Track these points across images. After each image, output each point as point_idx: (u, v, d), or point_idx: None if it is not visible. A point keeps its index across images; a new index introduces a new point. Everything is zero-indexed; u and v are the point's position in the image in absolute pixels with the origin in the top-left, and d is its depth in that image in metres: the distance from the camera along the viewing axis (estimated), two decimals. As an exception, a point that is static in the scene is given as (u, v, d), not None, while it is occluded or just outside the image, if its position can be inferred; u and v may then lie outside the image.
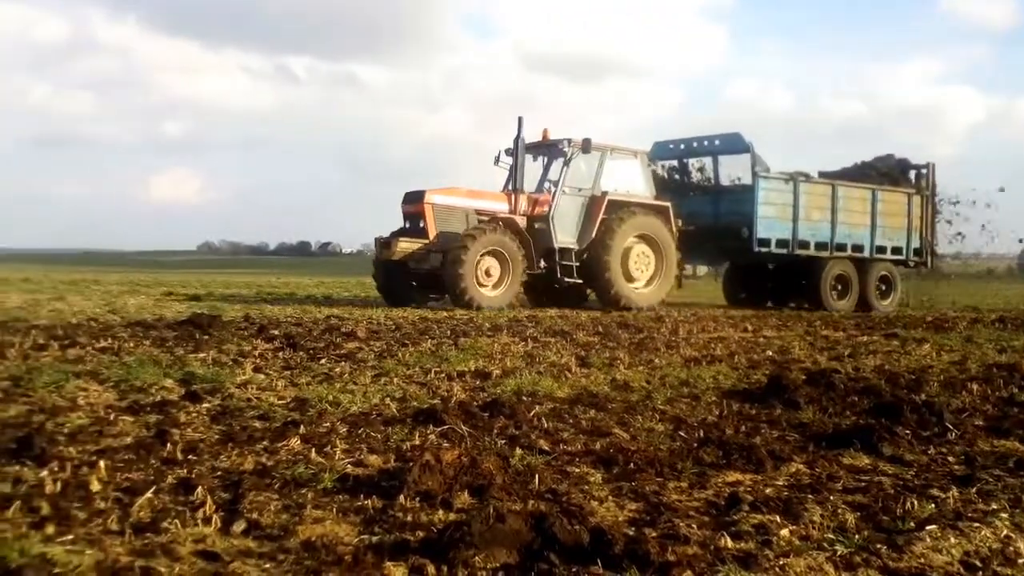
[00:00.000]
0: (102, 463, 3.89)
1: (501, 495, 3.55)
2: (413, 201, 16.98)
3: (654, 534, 3.18)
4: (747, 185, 20.45)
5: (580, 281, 17.86)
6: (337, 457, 4.22)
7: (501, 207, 17.37)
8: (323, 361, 7.83)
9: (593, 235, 17.54)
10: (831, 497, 3.74)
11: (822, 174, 22.65)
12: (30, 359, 7.28)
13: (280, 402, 5.72)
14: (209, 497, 3.42)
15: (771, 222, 20.16)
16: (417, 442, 4.62)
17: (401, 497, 3.51)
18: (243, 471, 3.95)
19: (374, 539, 3.09)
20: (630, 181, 18.52)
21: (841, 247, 21.25)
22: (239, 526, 3.16)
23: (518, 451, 4.44)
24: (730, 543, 3.09)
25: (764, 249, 20.19)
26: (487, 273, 16.38)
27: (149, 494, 3.47)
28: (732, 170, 21.41)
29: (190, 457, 4.17)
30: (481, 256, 16.21)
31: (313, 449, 4.33)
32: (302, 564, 2.84)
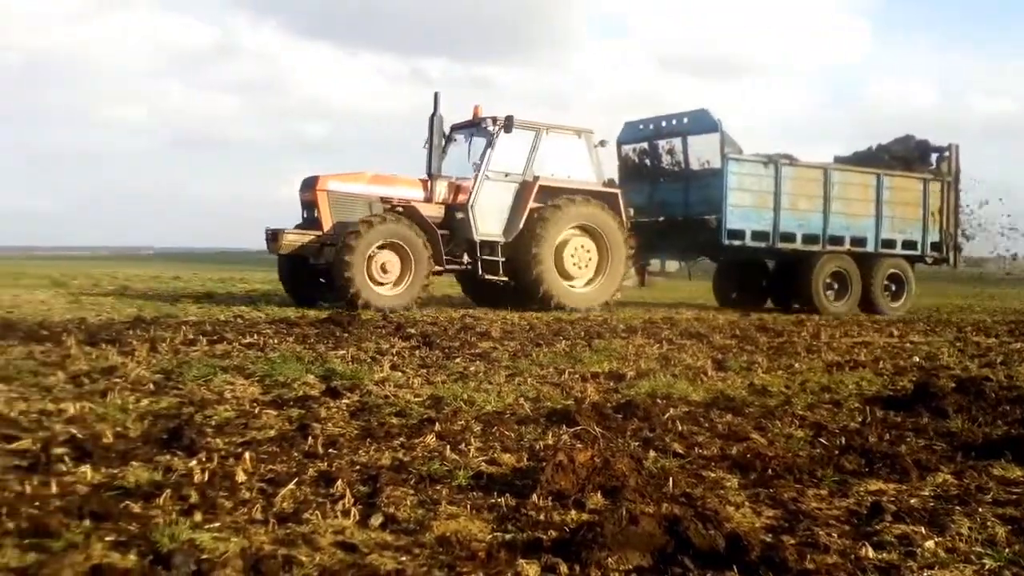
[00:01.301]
0: (247, 455, 4.03)
1: (634, 497, 3.52)
2: (308, 188, 15.07)
3: (792, 542, 3.10)
4: (717, 169, 17.80)
5: (506, 279, 15.66)
6: (471, 455, 4.26)
7: (414, 194, 15.44)
8: (458, 360, 7.93)
9: (520, 226, 15.51)
10: (980, 509, 3.58)
11: (838, 159, 20.40)
12: (180, 353, 7.60)
13: (416, 399, 5.82)
14: (348, 490, 3.50)
15: (745, 211, 17.66)
16: (550, 442, 4.63)
17: (534, 496, 3.52)
18: (380, 466, 4.03)
19: (507, 537, 3.11)
20: (573, 165, 16.24)
21: (836, 240, 18.64)
22: (376, 519, 3.22)
23: (652, 453, 4.41)
24: (872, 553, 2.99)
25: (736, 242, 17.68)
26: (383, 269, 14.29)
27: (291, 486, 3.58)
28: (704, 153, 18.55)
29: (330, 451, 4.28)
30: (376, 250, 14.22)
31: (448, 446, 4.38)
32: (437, 559, 2.88)
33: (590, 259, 16.13)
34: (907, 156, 20.62)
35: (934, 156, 20.43)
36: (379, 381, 6.47)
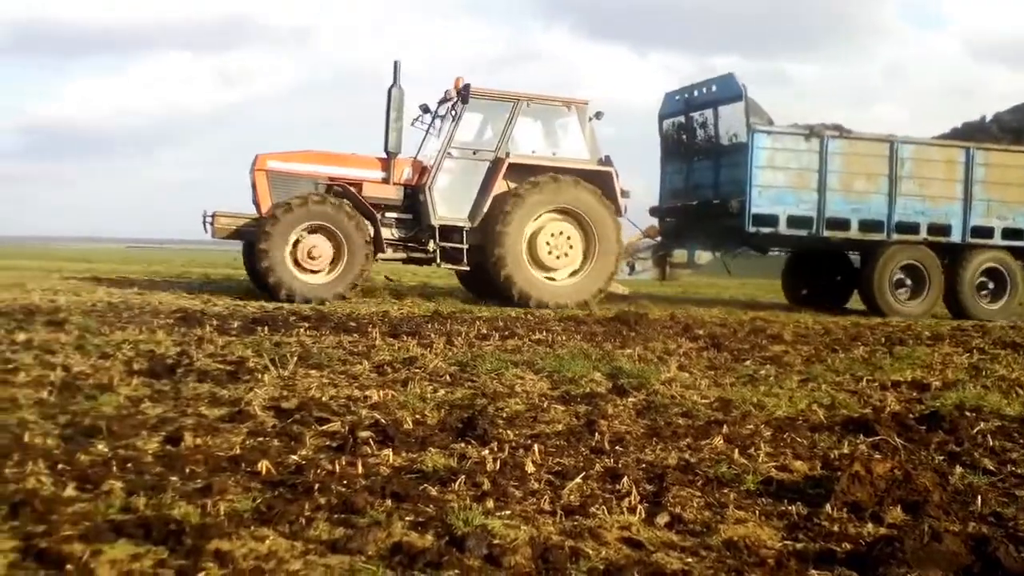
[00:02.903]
0: (536, 447, 4.13)
1: (937, 513, 3.30)
2: (251, 168, 13.72)
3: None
4: (743, 144, 14.93)
5: (467, 268, 14.05)
6: (760, 460, 4.15)
7: (370, 175, 13.81)
8: (748, 363, 7.75)
9: (485, 209, 13.71)
10: None
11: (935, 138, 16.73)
12: (474, 347, 7.90)
13: (704, 401, 5.74)
14: (634, 488, 3.50)
15: (778, 193, 14.78)
16: (846, 451, 4.42)
17: (827, 506, 3.38)
18: (667, 465, 4.00)
19: (798, 546, 3.01)
20: (562, 141, 14.45)
21: (907, 228, 15.39)
22: (662, 518, 3.20)
23: (958, 469, 4.11)
24: None
25: (766, 228, 14.81)
26: (310, 255, 12.81)
27: (578, 479, 3.63)
28: (733, 125, 15.53)
29: (616, 448, 4.30)
30: (305, 234, 12.83)
31: (736, 450, 4.29)
32: (724, 562, 2.82)
33: (571, 247, 13.92)
34: (1020, 127, 17.28)
35: None
36: (666, 381, 6.44)
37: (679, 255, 16.25)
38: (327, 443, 4.15)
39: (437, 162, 13.69)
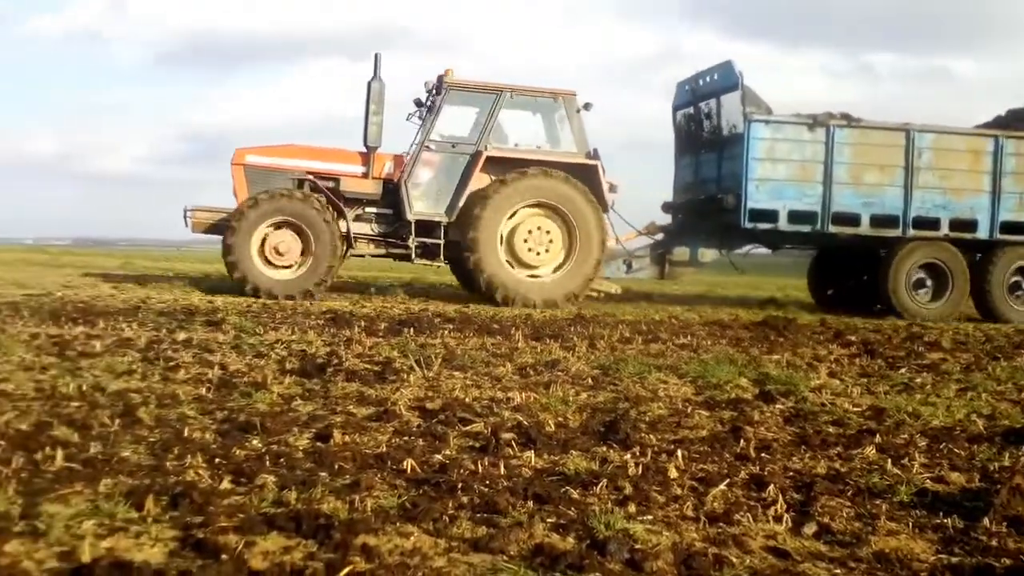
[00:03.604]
0: (679, 452, 4.08)
1: (1110, 532, 3.11)
2: (231, 162, 13.60)
3: None
4: (741, 135, 14.04)
5: (442, 264, 13.80)
6: (915, 471, 3.99)
7: (349, 169, 13.59)
8: (902, 370, 7.48)
9: (461, 204, 13.34)
10: None
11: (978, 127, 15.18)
12: (617, 351, 7.86)
13: (855, 409, 5.56)
14: (780, 496, 3.42)
15: (777, 186, 13.88)
16: (1006, 463, 4.21)
17: (985, 520, 3.23)
18: (815, 474, 3.90)
19: (953, 560, 2.88)
20: (549, 134, 14.02)
21: (927, 223, 14.29)
22: (810, 528, 3.12)
23: None
24: None
25: (765, 224, 14.00)
26: (276, 251, 12.72)
27: (723, 486, 3.57)
28: (732, 115, 14.56)
29: (762, 455, 4.21)
30: (273, 229, 12.76)
31: (889, 460, 4.14)
32: (874, 575, 2.73)
33: (550, 242, 13.40)
34: None
35: None
36: (815, 388, 6.27)
37: (680, 253, 15.32)
38: (470, 443, 4.20)
39: (414, 156, 13.48)
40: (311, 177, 13.40)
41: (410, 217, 13.30)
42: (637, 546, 2.83)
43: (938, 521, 3.28)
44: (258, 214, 12.65)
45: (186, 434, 4.06)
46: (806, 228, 14.12)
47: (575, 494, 3.39)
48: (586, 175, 13.50)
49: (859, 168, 14.13)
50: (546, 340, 8.37)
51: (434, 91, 13.53)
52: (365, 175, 13.49)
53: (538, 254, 13.40)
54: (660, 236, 15.34)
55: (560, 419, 4.83)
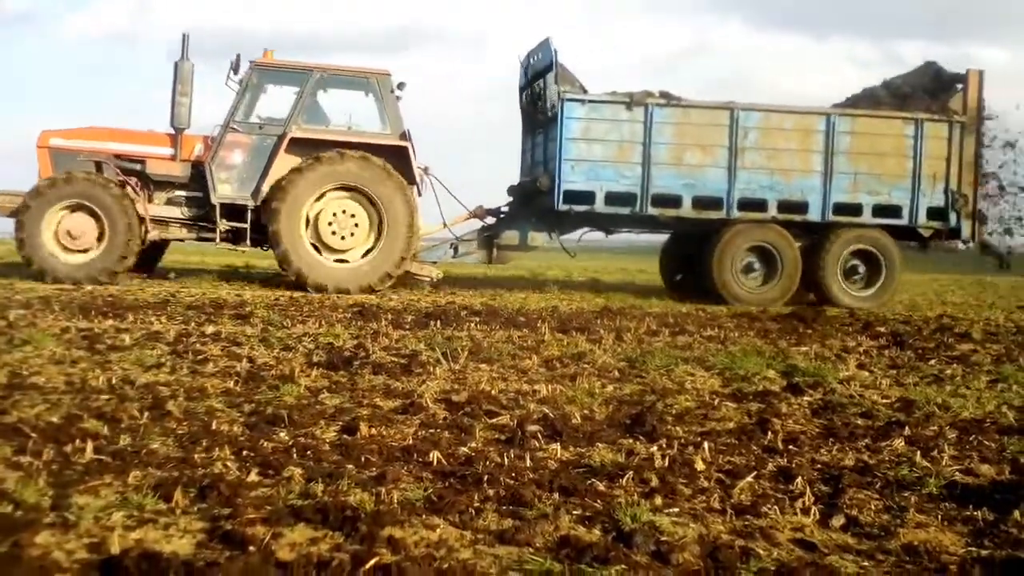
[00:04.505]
0: (706, 444, 4.06)
1: None
2: (36, 145, 13.15)
3: None
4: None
5: (246, 249, 13.48)
6: (944, 463, 3.96)
7: (157, 151, 13.12)
8: (932, 362, 7.41)
9: (265, 187, 12.92)
10: None
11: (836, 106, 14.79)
12: (644, 343, 7.84)
13: (884, 401, 5.52)
14: (808, 488, 3.41)
15: (593, 167, 13.32)
16: (1039, 456, 4.17)
17: (1016, 512, 3.19)
18: (843, 467, 3.88)
19: (983, 553, 2.86)
20: (365, 114, 13.61)
21: (753, 204, 13.67)
22: (837, 520, 3.10)
23: None
24: None
25: (581, 207, 13.39)
26: (70, 234, 12.32)
27: (749, 479, 3.55)
28: (553, 94, 13.72)
29: (790, 448, 4.19)
30: (68, 212, 12.37)
31: (918, 452, 4.11)
32: (903, 568, 2.71)
33: (356, 226, 12.99)
34: (914, 93, 14.65)
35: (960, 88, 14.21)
36: (844, 380, 6.23)
37: (509, 237, 14.52)
38: (496, 436, 4.21)
39: (219, 138, 13.04)
40: (116, 159, 13.04)
41: (215, 200, 12.92)
42: (663, 538, 2.83)
43: (968, 514, 3.26)
44: (49, 198, 12.35)
45: (214, 427, 4.09)
46: (625, 210, 13.59)
47: (601, 486, 3.39)
48: (397, 156, 13.14)
49: (680, 148, 13.60)
50: (572, 333, 8.35)
51: (232, 71, 13.07)
52: (173, 157, 13.13)
53: (343, 238, 13.02)
54: (490, 220, 14.87)
55: (586, 411, 4.83)
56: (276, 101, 13.57)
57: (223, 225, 12.90)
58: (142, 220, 12.67)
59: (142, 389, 4.96)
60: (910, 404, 5.37)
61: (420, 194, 13.68)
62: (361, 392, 5.16)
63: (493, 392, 5.28)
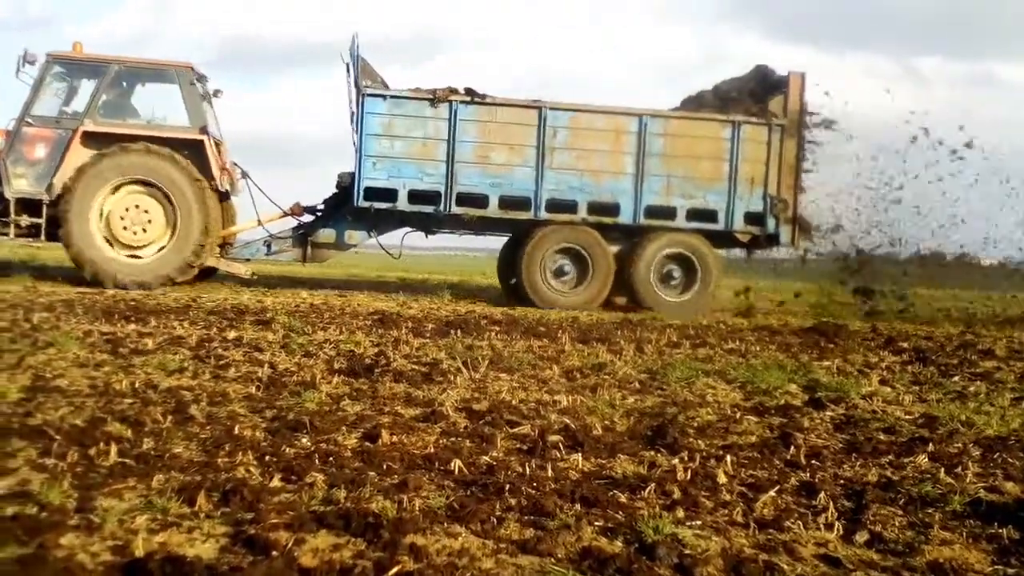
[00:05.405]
0: (728, 458, 4.05)
1: None
2: None
3: None
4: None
5: (40, 244, 13.58)
6: (968, 480, 3.92)
7: None
8: (956, 379, 7.36)
9: (57, 182, 12.78)
10: None
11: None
12: (664, 355, 7.82)
13: (907, 417, 5.48)
14: (831, 503, 3.39)
15: (395, 164, 13.17)
16: (1064, 474, 4.13)
17: (1043, 531, 3.17)
18: (866, 482, 3.85)
19: (1009, 571, 2.83)
20: (170, 108, 13.55)
21: (562, 206, 13.48)
22: (861, 536, 3.08)
23: None
24: None
25: (382, 204, 13.22)
26: None
27: (772, 493, 3.53)
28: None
29: (812, 462, 4.17)
30: None
31: (942, 468, 4.07)
32: (928, 585, 2.69)
33: (149, 222, 12.93)
34: (739, 96, 14.40)
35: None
36: (866, 395, 6.19)
37: (325, 235, 14.20)
38: (517, 446, 4.20)
39: (14, 131, 12.93)
40: None
41: (9, 195, 12.83)
42: (686, 551, 2.82)
43: (993, 531, 3.23)
44: None
45: (237, 431, 4.10)
46: (429, 208, 13.38)
47: (623, 498, 3.38)
48: (194, 151, 13.12)
49: (485, 147, 13.38)
50: (593, 343, 8.35)
51: (25, 63, 12.84)
52: None
53: (135, 233, 12.95)
54: (308, 218, 14.58)
55: (607, 423, 4.82)
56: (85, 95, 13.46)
57: (18, 220, 12.82)
58: None
59: (165, 393, 4.99)
60: (933, 420, 5.33)
61: (232, 193, 14.00)
62: (382, 400, 5.17)
63: (514, 402, 5.28)
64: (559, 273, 13.65)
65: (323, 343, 7.53)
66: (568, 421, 4.75)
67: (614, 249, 13.66)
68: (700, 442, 4.46)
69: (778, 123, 13.70)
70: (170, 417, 4.32)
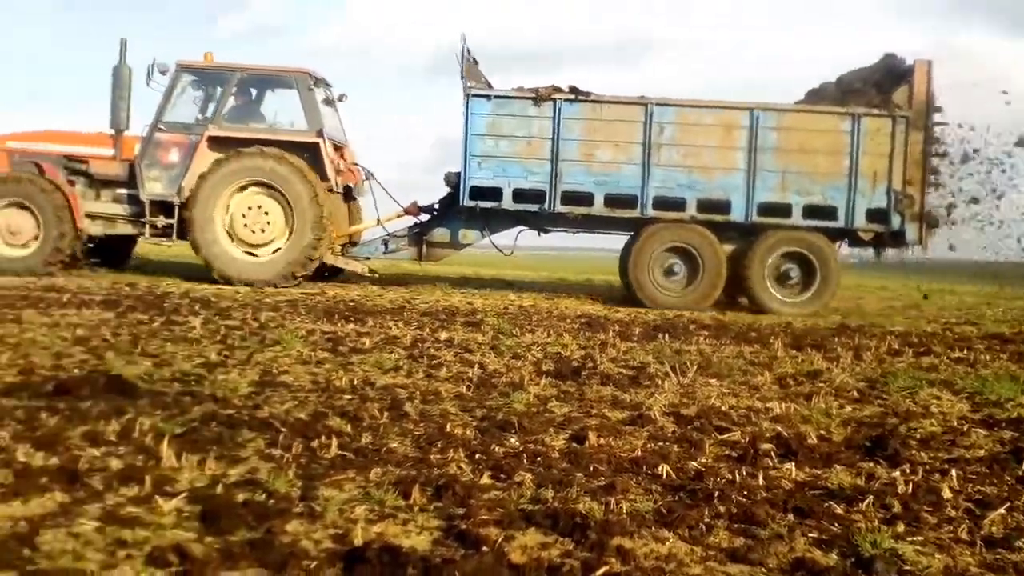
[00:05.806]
0: (954, 472, 3.83)
1: None
2: None
3: None
4: None
5: (171, 243, 13.86)
6: None
7: (100, 151, 13.82)
8: None
9: (187, 184, 13.29)
10: None
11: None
12: (885, 363, 7.49)
13: None
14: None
15: (501, 163, 12.92)
16: None
17: None
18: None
19: None
20: (289, 113, 13.91)
21: (669, 204, 12.83)
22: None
23: None
24: None
25: (488, 203, 13.00)
26: (9, 230, 13.19)
27: (1002, 510, 3.32)
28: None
29: (1049, 480, 3.89)
30: (8, 210, 13.18)
31: None
32: None
33: (268, 222, 13.30)
34: (863, 88, 13.14)
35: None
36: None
37: (440, 234, 14.12)
38: (727, 452, 4.12)
39: (147, 137, 13.57)
40: (66, 160, 13.85)
41: (144, 197, 13.56)
42: (906, 567, 2.69)
43: None
44: None
45: (448, 429, 4.21)
46: (534, 207, 13.14)
47: (839, 509, 3.26)
48: (310, 153, 13.45)
49: (590, 145, 13.08)
50: (807, 350, 8.08)
51: (156, 72, 13.50)
52: (113, 157, 13.84)
53: (253, 232, 13.39)
54: (424, 217, 14.49)
55: (823, 432, 4.65)
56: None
57: (153, 220, 13.61)
58: (72, 216, 13.42)
59: (381, 390, 5.19)
60: None
61: (356, 194, 14.74)
62: (589, 402, 5.19)
63: (723, 408, 5.18)
64: (669, 272, 13.30)
65: (531, 345, 7.62)
66: (781, 429, 4.62)
67: (727, 248, 13.22)
68: (923, 455, 4.24)
69: (902, 115, 12.86)
70: (386, 413, 4.48)
